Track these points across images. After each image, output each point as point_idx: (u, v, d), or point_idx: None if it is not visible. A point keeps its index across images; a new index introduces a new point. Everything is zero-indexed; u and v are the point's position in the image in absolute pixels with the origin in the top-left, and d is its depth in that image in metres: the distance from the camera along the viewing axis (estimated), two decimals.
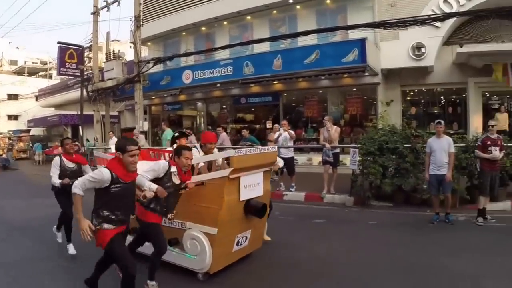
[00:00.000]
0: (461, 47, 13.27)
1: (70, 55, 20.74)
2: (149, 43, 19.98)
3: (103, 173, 3.50)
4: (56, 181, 5.65)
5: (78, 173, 5.72)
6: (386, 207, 8.68)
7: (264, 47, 14.66)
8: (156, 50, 19.29)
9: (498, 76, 13.10)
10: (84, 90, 19.76)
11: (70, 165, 5.83)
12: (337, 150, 9.95)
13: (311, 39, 13.42)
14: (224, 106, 18.43)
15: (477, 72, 13.61)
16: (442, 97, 15.12)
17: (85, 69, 21.12)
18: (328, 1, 15.13)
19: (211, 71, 15.38)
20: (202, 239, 4.52)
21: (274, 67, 13.79)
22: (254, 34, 16.18)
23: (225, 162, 4.84)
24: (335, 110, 15.14)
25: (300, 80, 14.43)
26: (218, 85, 15.81)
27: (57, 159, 5.78)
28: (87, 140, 21.37)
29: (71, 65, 20.73)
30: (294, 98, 16.39)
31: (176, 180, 4.31)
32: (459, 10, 13.04)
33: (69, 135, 25.10)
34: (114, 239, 3.61)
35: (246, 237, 5.03)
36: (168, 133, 14.54)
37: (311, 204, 9.40)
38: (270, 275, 4.90)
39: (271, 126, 14.61)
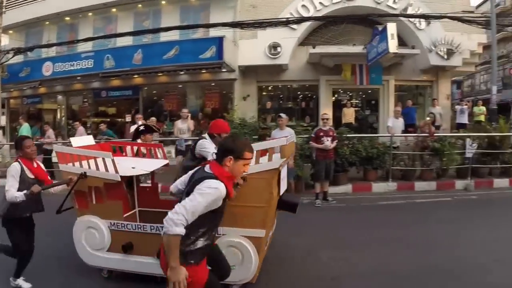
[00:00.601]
0: (313, 48, 15.22)
1: None
2: (11, 31, 19.58)
3: (220, 189, 2.71)
4: (17, 193, 4.19)
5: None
6: None
7: (127, 41, 15.45)
8: (18, 40, 19.15)
9: (347, 75, 15.24)
10: None
11: (31, 176, 4.46)
12: (189, 142, 10.88)
13: (173, 35, 14.53)
14: (85, 100, 18.81)
15: (328, 71, 15.68)
16: (296, 93, 17.14)
17: None
18: None
19: (72, 64, 15.91)
20: (246, 245, 4.05)
21: (134, 61, 14.72)
22: (118, 27, 16.84)
23: None
24: (194, 104, 16.42)
25: (160, 74, 15.48)
26: (79, 78, 16.28)
27: (17, 166, 4.37)
28: None
29: None
30: (155, 92, 17.41)
31: None
32: (315, 15, 15.05)
33: None
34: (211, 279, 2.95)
35: (270, 235, 4.81)
36: (24, 128, 14.62)
37: (165, 194, 10.11)
38: None
39: (130, 120, 15.58)
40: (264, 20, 14.02)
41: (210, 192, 2.65)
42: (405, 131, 11.94)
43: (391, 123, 11.43)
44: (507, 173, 10.67)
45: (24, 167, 4.38)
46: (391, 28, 12.46)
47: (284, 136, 8.34)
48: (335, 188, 9.53)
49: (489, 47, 42.37)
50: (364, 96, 17.68)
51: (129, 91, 16.78)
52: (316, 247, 5.74)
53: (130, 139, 7.12)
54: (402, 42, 15.79)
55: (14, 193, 4.16)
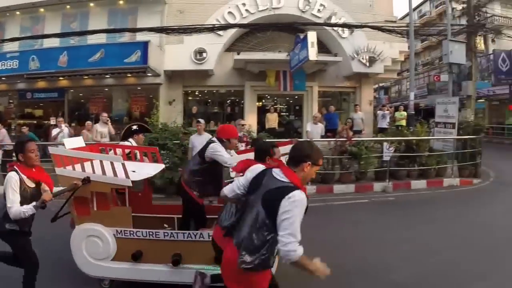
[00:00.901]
0: (238, 54, 16.13)
1: None
2: None
3: (305, 199, 2.77)
4: (24, 208, 3.74)
5: (37, 197, 3.91)
6: (159, 199, 9.42)
7: (54, 42, 15.81)
8: None
9: (271, 81, 16.26)
10: None
11: (31, 185, 4.00)
12: None
13: (100, 38, 15.07)
14: (11, 101, 18.86)
15: (253, 77, 16.66)
16: (222, 98, 18.10)
17: None
18: (121, 2, 16.83)
19: None
20: None
21: (59, 63, 14.99)
22: (46, 28, 17.03)
23: None
24: (121, 108, 17.06)
25: (86, 77, 15.92)
26: (4, 78, 16.38)
27: (14, 176, 3.87)
28: None
29: None
30: (81, 95, 17.84)
31: None
32: (241, 22, 15.98)
33: None
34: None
35: None
36: None
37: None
38: None
39: (55, 123, 15.97)
40: (189, 26, 14.79)
41: (301, 205, 2.71)
42: (325, 136, 12.84)
43: (309, 128, 12.28)
44: (424, 175, 11.62)
45: (23, 176, 3.92)
46: (312, 36, 13.29)
47: (202, 141, 8.39)
48: None
49: (414, 56, 44.53)
50: (291, 101, 18.78)
51: (55, 94, 17.07)
52: None
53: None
54: (326, 50, 17.02)
55: (19, 208, 3.73)
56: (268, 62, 16.06)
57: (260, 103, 18.02)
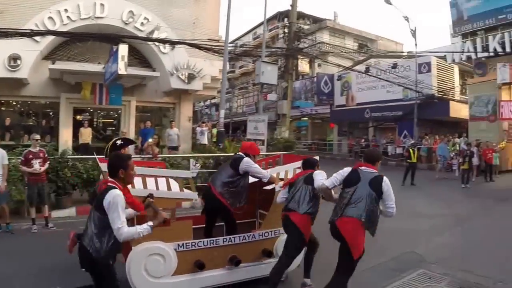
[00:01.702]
0: (53, 63, 16.68)
1: None
2: None
3: (388, 180, 4.72)
4: (140, 228, 3.72)
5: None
6: None
7: None
8: None
9: (86, 94, 17.02)
10: None
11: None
12: None
13: None
14: None
15: (70, 88, 17.32)
16: (39, 109, 18.39)
17: None
18: None
19: None
20: None
21: None
22: None
23: None
24: None
25: None
26: None
27: (121, 194, 3.70)
28: None
29: None
30: None
31: None
32: (61, 29, 16.22)
33: None
34: None
35: None
36: None
37: None
38: None
39: None
40: (0, 30, 14.43)
41: (390, 183, 4.65)
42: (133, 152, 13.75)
43: None
44: None
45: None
46: (123, 49, 13.64)
47: None
48: (59, 212, 10.02)
49: (246, 74, 48.30)
50: (116, 115, 19.80)
51: None
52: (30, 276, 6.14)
53: None
54: (147, 64, 18.63)
55: (134, 229, 3.66)
56: (85, 74, 16.64)
57: (80, 117, 18.56)
